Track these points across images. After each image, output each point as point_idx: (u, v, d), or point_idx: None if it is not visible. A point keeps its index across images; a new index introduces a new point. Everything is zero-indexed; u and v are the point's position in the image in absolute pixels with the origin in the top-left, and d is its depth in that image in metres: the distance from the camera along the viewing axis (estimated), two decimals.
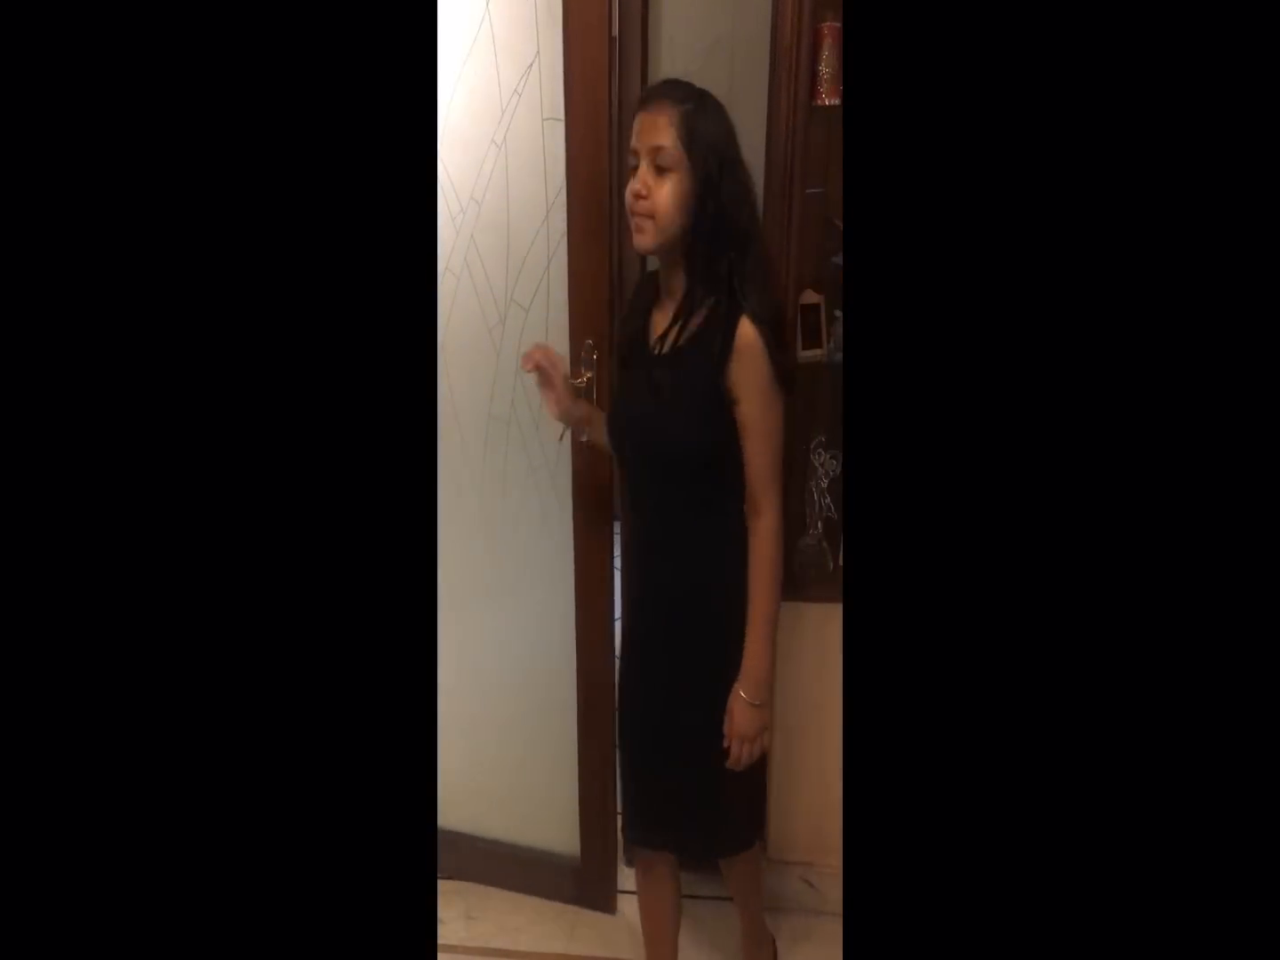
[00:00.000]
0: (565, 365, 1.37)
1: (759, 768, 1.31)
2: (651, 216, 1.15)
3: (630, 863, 1.68)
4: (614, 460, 1.38)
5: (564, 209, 1.49)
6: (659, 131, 1.13)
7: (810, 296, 1.60)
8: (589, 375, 1.42)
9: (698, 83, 1.18)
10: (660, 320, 1.25)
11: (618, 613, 1.63)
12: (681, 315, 1.20)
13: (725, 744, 1.24)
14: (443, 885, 1.84)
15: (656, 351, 1.23)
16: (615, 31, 1.41)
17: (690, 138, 1.13)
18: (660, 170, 1.13)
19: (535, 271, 1.57)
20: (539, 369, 1.32)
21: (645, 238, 1.17)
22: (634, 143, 1.16)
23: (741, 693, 1.23)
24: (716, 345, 1.16)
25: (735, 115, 1.47)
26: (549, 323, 1.57)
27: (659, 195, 1.13)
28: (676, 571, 1.27)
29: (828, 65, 1.47)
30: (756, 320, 1.16)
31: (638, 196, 1.15)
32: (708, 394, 1.18)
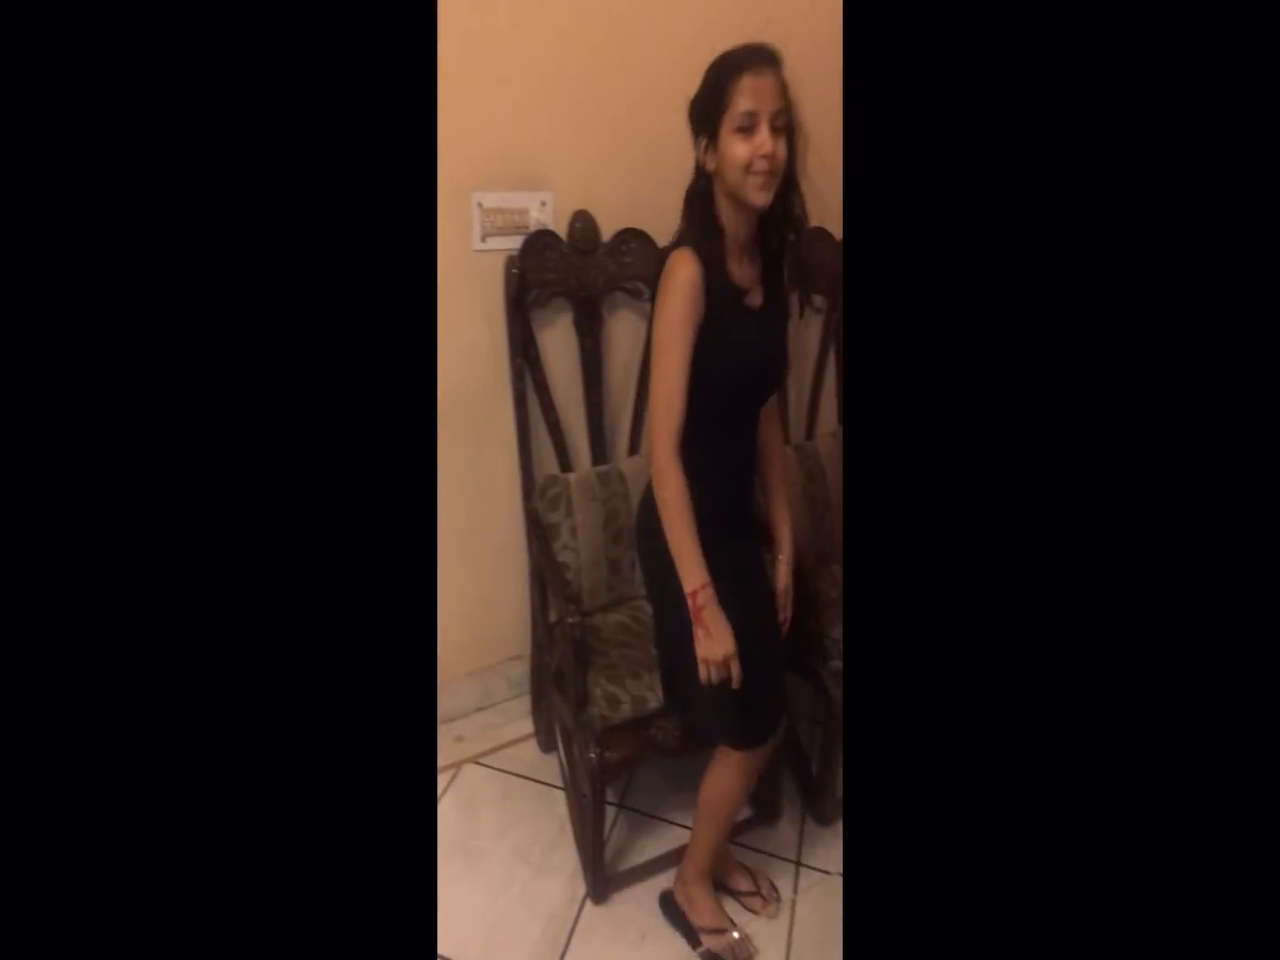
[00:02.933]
0: None
1: None
2: (775, 173, 1.24)
3: None
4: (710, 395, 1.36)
5: None
6: (777, 94, 1.22)
7: None
8: None
9: None
10: (738, 269, 1.34)
11: None
12: (774, 266, 1.38)
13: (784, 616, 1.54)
14: None
15: (753, 300, 1.35)
16: None
17: (789, 101, 1.24)
18: (776, 131, 1.22)
19: None
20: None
21: (767, 194, 1.25)
22: (750, 105, 1.20)
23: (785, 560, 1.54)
24: (790, 284, 1.41)
25: None
26: None
27: (780, 153, 1.23)
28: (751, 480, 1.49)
29: None
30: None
31: (767, 156, 1.21)
32: (785, 320, 1.43)
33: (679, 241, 1.32)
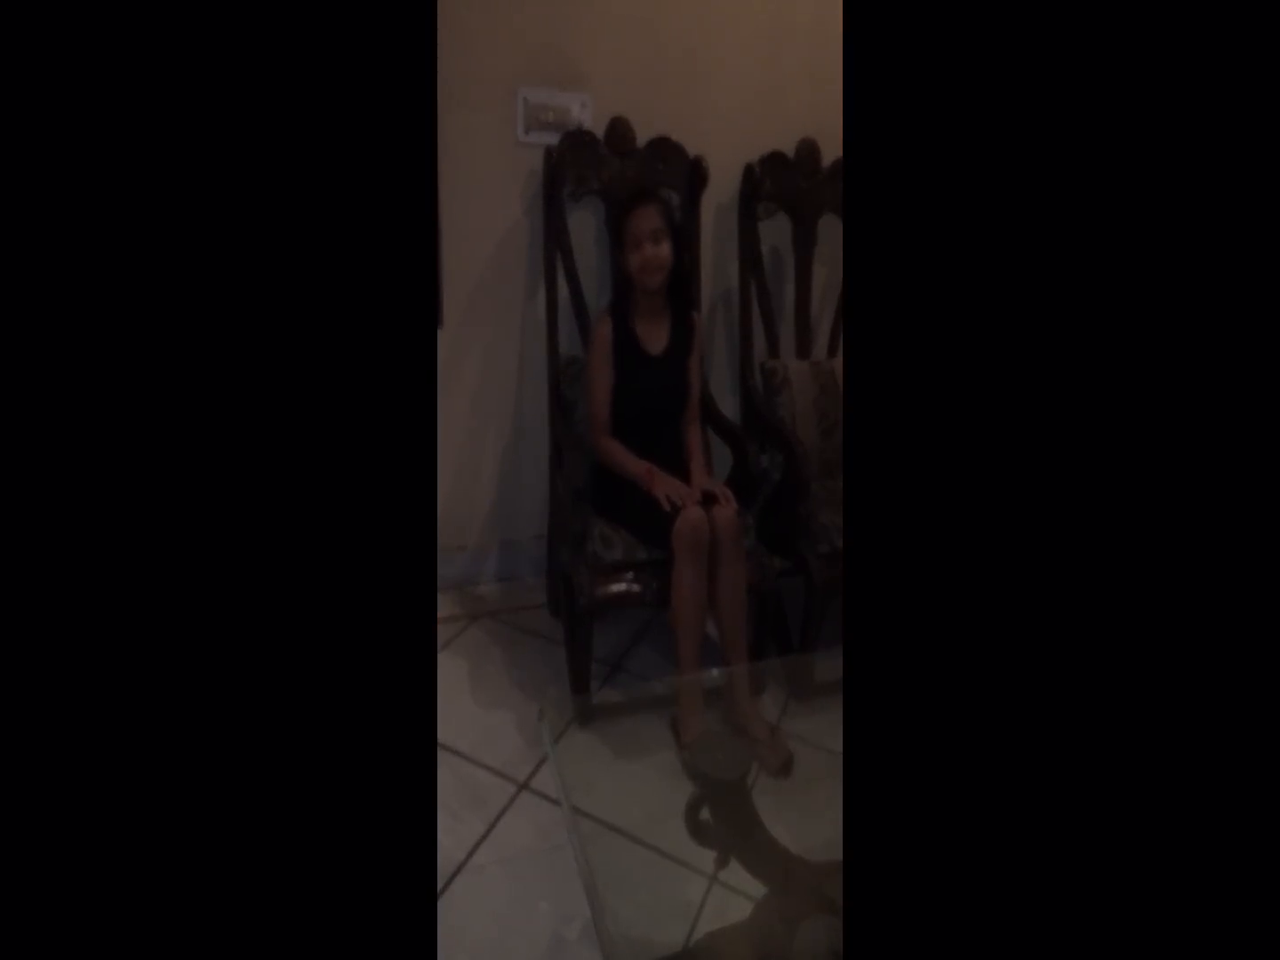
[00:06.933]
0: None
1: None
2: (662, 267, 1.96)
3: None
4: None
5: None
6: (654, 218, 1.94)
7: None
8: None
9: None
10: (643, 328, 2.05)
11: None
12: (672, 326, 2.08)
13: None
14: None
15: (651, 351, 2.05)
16: None
17: (668, 221, 1.98)
18: (657, 239, 1.94)
19: None
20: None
21: (659, 277, 1.98)
22: (638, 226, 1.94)
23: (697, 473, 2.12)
24: (690, 339, 2.10)
25: None
26: None
27: (663, 252, 1.95)
28: None
29: None
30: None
31: (656, 255, 1.94)
32: (685, 361, 2.09)
33: (606, 308, 2.08)
